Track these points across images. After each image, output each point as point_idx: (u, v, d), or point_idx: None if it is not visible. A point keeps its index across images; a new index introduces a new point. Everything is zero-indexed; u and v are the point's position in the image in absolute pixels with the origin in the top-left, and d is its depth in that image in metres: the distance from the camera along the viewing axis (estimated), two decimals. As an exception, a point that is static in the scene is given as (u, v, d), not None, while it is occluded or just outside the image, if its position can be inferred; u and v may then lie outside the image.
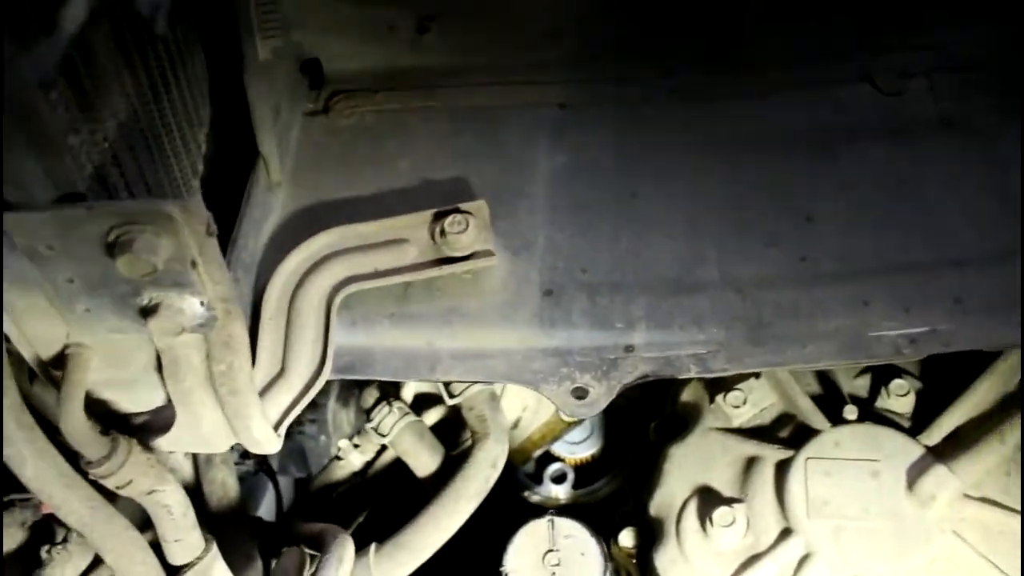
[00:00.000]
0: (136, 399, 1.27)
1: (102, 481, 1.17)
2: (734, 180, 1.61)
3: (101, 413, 1.24)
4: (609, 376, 1.42)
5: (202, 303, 1.04)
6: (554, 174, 1.63)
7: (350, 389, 2.61)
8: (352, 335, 1.46)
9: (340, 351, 1.45)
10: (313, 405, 2.57)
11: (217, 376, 1.18)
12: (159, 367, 1.20)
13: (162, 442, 1.28)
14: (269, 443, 1.30)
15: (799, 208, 1.56)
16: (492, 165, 1.64)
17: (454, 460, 1.71)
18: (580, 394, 1.40)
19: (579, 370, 1.43)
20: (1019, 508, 1.55)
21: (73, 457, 1.17)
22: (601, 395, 1.40)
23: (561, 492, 2.21)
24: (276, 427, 1.32)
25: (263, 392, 1.34)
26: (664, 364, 1.43)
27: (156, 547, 1.30)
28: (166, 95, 1.31)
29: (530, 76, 1.76)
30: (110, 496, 1.23)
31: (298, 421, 2.54)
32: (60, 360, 1.14)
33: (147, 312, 1.02)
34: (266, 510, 2.44)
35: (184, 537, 1.28)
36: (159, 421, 1.28)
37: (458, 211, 1.45)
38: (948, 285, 1.44)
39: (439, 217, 1.45)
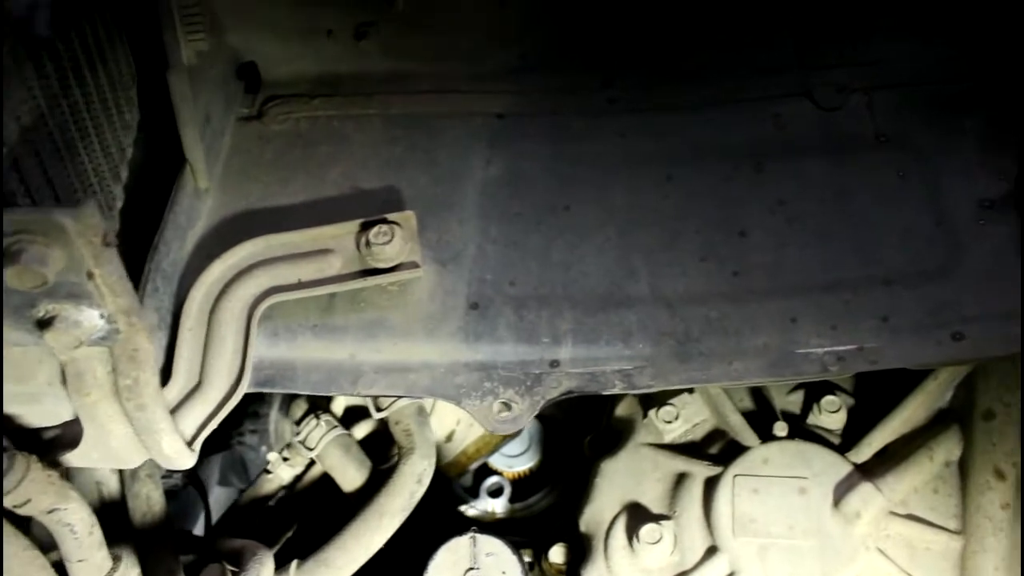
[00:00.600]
0: (42, 413, 1.23)
1: (-3, 500, 1.13)
2: (669, 193, 1.60)
3: (7, 429, 1.21)
4: (533, 391, 1.41)
5: (102, 315, 1.01)
6: (487, 185, 1.61)
7: (292, 400, 2.58)
8: (274, 347, 1.44)
9: (261, 363, 1.42)
10: (255, 415, 2.56)
11: (123, 390, 1.14)
12: (64, 380, 1.17)
13: (71, 458, 1.24)
14: (182, 458, 1.27)
15: (733, 222, 1.55)
16: (425, 175, 1.62)
17: (382, 474, 1.68)
18: (503, 409, 1.38)
19: (503, 385, 1.41)
20: (945, 525, 1.55)
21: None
22: (524, 411, 1.39)
23: (498, 506, 2.19)
24: (192, 441, 1.29)
25: (180, 405, 1.31)
26: (589, 380, 1.42)
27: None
28: (82, 98, 1.28)
29: (468, 85, 1.74)
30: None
31: (239, 432, 2.51)
32: (-45, 373, 1.11)
33: (43, 324, 0.99)
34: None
35: (88, 557, 1.24)
36: (68, 436, 1.25)
37: (384, 221, 1.42)
38: (876, 303, 1.44)
39: (365, 227, 1.43)
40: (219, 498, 2.52)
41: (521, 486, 2.24)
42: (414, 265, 1.44)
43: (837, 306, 1.45)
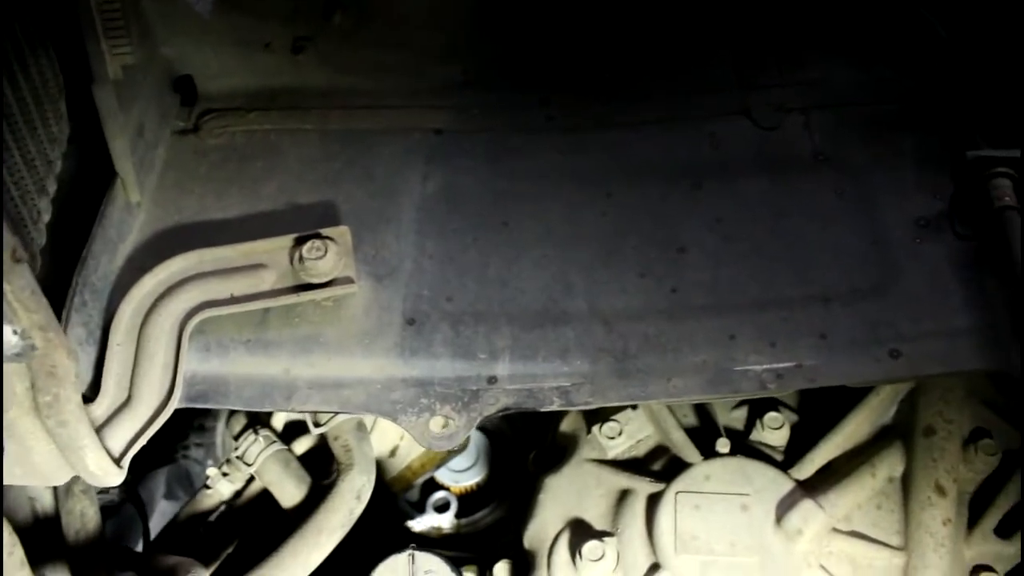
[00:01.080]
0: (-41, 428, 1.20)
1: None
2: (607, 210, 1.60)
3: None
4: (470, 408, 1.39)
5: (15, 331, 0.99)
6: (425, 201, 1.60)
7: (233, 414, 2.54)
8: (206, 362, 1.41)
9: (193, 379, 1.40)
10: (200, 429, 2.52)
11: (43, 407, 1.12)
12: (-19, 397, 1.14)
13: (-7, 475, 1.21)
14: (108, 476, 1.24)
15: (672, 240, 1.55)
16: (362, 190, 1.61)
17: (322, 490, 1.66)
18: (440, 425, 1.37)
19: (439, 401, 1.40)
20: (887, 541, 1.55)
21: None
22: (461, 427, 1.37)
23: (444, 521, 2.17)
24: (120, 458, 1.27)
25: (108, 420, 1.29)
26: (527, 396, 1.41)
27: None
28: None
29: (407, 100, 1.73)
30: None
31: (184, 445, 2.48)
32: None
33: (-50, 338, 0.97)
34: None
35: (10, 581, 1.21)
36: (-11, 453, 1.22)
37: (319, 236, 1.41)
38: (814, 320, 1.44)
39: (299, 242, 1.42)
40: (165, 512, 2.48)
41: (468, 501, 2.22)
42: (348, 280, 1.42)
43: (775, 323, 1.45)
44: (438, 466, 2.09)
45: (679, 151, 1.67)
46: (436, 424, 1.37)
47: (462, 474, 2.21)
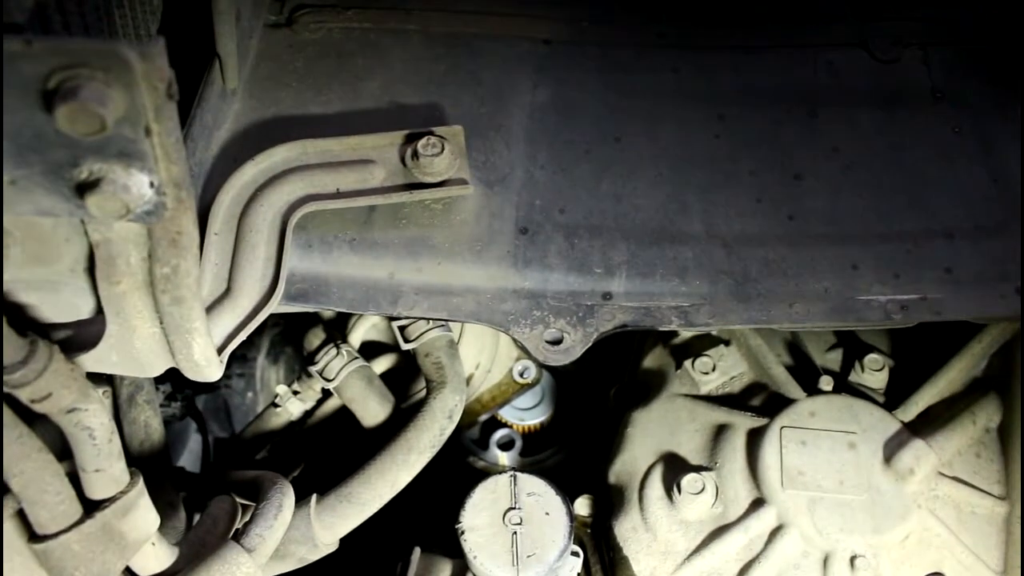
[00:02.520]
0: (60, 306, 1.11)
1: (15, 393, 1.01)
2: (721, 133, 1.53)
3: (17, 320, 1.08)
4: (585, 323, 1.32)
5: (152, 184, 0.89)
6: (534, 110, 1.51)
7: (281, 346, 2.47)
8: (307, 259, 1.33)
9: (292, 277, 1.32)
10: (242, 359, 2.44)
11: (159, 280, 1.02)
12: (90, 268, 1.05)
13: (87, 359, 1.12)
14: (211, 367, 1.16)
15: (788, 166, 1.49)
16: (469, 94, 1.52)
17: (404, 412, 1.58)
18: (554, 340, 1.29)
19: (553, 314, 1.32)
20: (989, 490, 1.50)
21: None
22: (577, 342, 1.30)
23: (507, 459, 2.10)
24: (219, 352, 1.18)
25: (206, 313, 1.20)
26: (644, 315, 1.34)
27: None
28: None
29: (514, 8, 1.64)
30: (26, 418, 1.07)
31: (225, 375, 2.39)
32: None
33: (85, 188, 0.87)
34: (188, 463, 2.28)
35: (106, 467, 1.11)
36: (85, 335, 1.12)
37: (432, 134, 1.33)
38: (939, 254, 1.40)
39: (411, 139, 1.34)
40: (193, 448, 2.40)
41: (531, 441, 2.15)
42: (462, 182, 1.34)
43: (898, 255, 1.40)
44: (506, 401, 2.01)
45: (794, 78, 1.60)
46: (551, 337, 1.29)
47: (527, 412, 2.13)
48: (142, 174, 0.88)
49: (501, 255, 1.35)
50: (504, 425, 2.14)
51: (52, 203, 0.91)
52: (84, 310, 1.12)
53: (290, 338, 2.40)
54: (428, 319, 1.51)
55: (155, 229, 0.99)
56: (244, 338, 1.23)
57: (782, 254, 1.40)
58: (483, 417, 2.04)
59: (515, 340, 1.30)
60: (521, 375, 2.00)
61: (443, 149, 1.31)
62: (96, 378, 1.13)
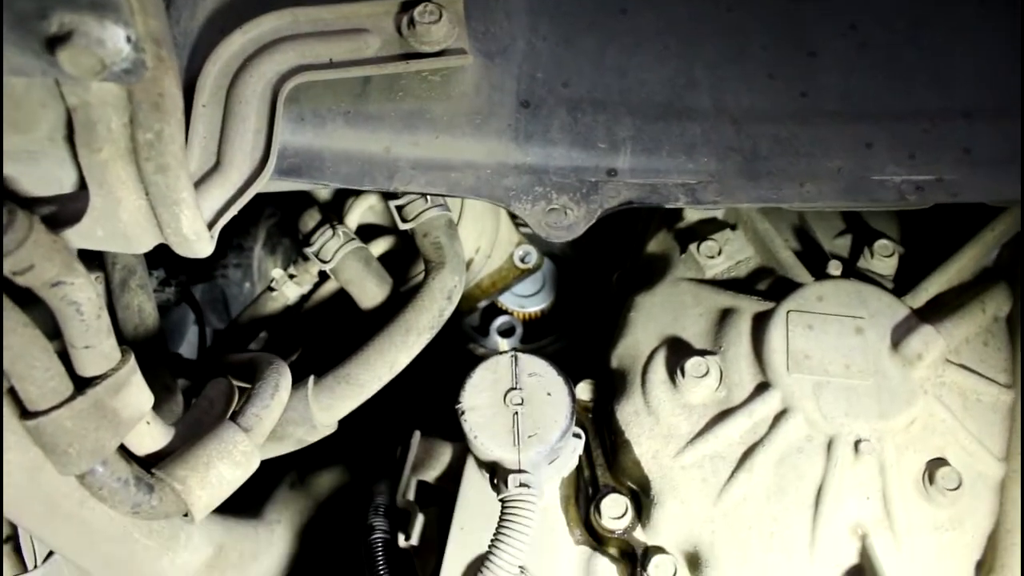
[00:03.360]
0: (41, 178, 1.07)
1: (-4, 265, 0.97)
2: (732, 6, 1.45)
3: (-1, 190, 1.04)
4: (589, 199, 1.28)
5: (128, 38, 0.84)
6: None
7: (278, 236, 2.43)
8: (299, 133, 1.28)
9: (285, 151, 1.27)
10: (238, 249, 2.40)
11: (142, 147, 0.98)
12: (70, 136, 1.00)
13: (72, 234, 1.08)
14: (201, 242, 1.12)
15: (801, 42, 1.42)
16: (466, -40, 1.44)
17: (402, 296, 1.55)
18: (557, 215, 1.25)
19: (556, 190, 1.28)
20: (995, 378, 1.48)
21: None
22: (580, 218, 1.26)
23: (508, 346, 2.08)
24: (209, 227, 1.14)
25: (196, 186, 1.15)
26: (650, 191, 1.29)
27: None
28: None
29: None
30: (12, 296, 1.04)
31: (222, 264, 2.36)
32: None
33: (56, 42, 0.81)
34: (186, 354, 2.26)
35: (95, 344, 1.08)
36: (69, 209, 1.08)
37: (429, 1, 1.26)
38: (957, 135, 1.34)
39: (407, 7, 1.27)
40: (191, 340, 2.39)
41: (531, 328, 2.12)
42: (461, 51, 1.28)
43: (915, 135, 1.34)
44: (506, 287, 1.98)
45: (809, -52, 1.51)
46: (554, 212, 1.25)
47: (528, 299, 2.10)
48: (117, 27, 0.83)
49: (501, 129, 1.30)
50: (504, 312, 2.11)
51: (22, 60, 0.85)
52: (67, 183, 1.08)
53: (287, 229, 2.36)
54: (426, 196, 1.47)
55: (135, 91, 0.94)
56: (235, 213, 1.18)
57: (793, 131, 1.35)
58: (483, 303, 2.01)
59: (516, 217, 1.26)
60: (522, 260, 1.97)
61: (441, 16, 1.25)
62: (88, 264, 1.09)
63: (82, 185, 1.05)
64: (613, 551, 1.44)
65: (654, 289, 1.59)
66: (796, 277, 1.52)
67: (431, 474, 1.52)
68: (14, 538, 1.42)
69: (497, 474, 1.30)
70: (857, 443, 1.35)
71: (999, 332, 1.54)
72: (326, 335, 1.70)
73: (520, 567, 1.25)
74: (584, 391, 1.59)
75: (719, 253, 1.60)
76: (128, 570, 1.26)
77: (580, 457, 1.46)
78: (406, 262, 1.70)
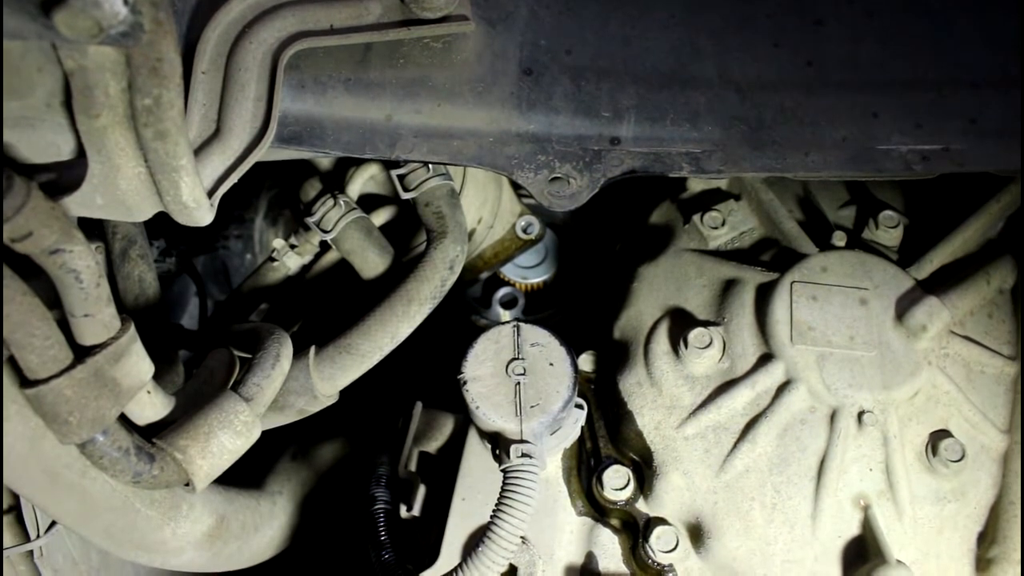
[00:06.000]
0: (39, 144, 1.05)
1: (-7, 231, 0.96)
2: None
3: (-3, 157, 1.03)
4: (592, 168, 1.27)
5: (126, 1, 0.82)
6: None
7: (279, 208, 2.42)
8: (300, 100, 1.27)
9: (285, 118, 1.26)
10: (240, 220, 2.39)
11: (141, 113, 0.96)
12: (67, 102, 0.99)
13: (70, 202, 1.07)
14: (201, 210, 1.10)
15: (808, 11, 1.41)
16: (468, -74, 1.42)
17: (404, 266, 1.54)
18: (560, 184, 1.24)
19: (558, 159, 1.27)
20: (1000, 350, 1.47)
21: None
22: (583, 187, 1.25)
23: (510, 317, 2.07)
24: (209, 195, 1.13)
25: (195, 153, 1.14)
26: (653, 160, 1.28)
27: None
28: None
29: None
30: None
31: (223, 235, 2.35)
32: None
33: (51, 3, 0.80)
34: (188, 326, 2.26)
35: (95, 312, 1.07)
36: (68, 177, 1.07)
37: (431, -35, 1.24)
38: (963, 104, 1.34)
39: (409, -28, 1.25)
40: (193, 312, 2.38)
41: (533, 299, 2.12)
42: (463, 18, 1.26)
43: (921, 104, 1.33)
44: (509, 258, 1.97)
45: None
46: (557, 181, 1.24)
47: (530, 271, 2.09)
48: (115, -10, 0.81)
49: (504, 97, 1.29)
50: (507, 283, 2.11)
51: (18, 23, 0.84)
52: (65, 150, 1.06)
53: (288, 200, 2.35)
54: (428, 165, 1.45)
55: (133, 55, 0.92)
56: (235, 181, 1.17)
57: (799, 101, 1.33)
58: (485, 275, 2.00)
59: (518, 187, 1.25)
60: (525, 231, 1.96)
61: (442, -18, 1.23)
62: (89, 234, 1.08)
63: (80, 152, 1.04)
64: (615, 522, 1.44)
65: (657, 260, 1.58)
66: (800, 248, 1.51)
67: (433, 445, 1.52)
68: (16, 508, 1.43)
69: (499, 444, 1.30)
70: (860, 414, 1.34)
71: (1004, 304, 1.53)
72: (327, 305, 1.69)
73: (522, 537, 1.25)
74: (586, 362, 1.59)
75: (723, 224, 1.59)
76: (129, 540, 1.25)
77: (582, 428, 1.46)
78: (408, 232, 1.69)
